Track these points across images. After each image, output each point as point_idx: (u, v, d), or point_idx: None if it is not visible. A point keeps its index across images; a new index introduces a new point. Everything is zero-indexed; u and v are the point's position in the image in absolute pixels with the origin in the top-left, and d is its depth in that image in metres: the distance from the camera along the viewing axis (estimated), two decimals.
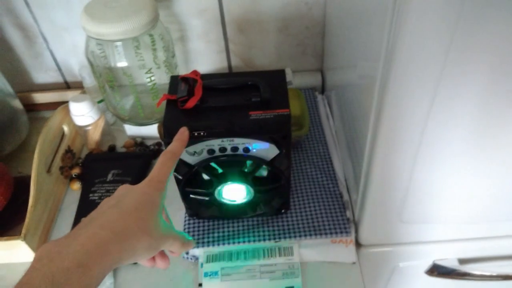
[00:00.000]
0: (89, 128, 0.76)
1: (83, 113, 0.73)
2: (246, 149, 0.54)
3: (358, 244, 0.64)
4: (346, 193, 0.67)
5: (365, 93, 0.54)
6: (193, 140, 0.52)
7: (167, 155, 0.47)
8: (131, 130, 0.81)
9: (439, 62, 0.39)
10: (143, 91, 0.76)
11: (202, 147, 0.53)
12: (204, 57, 0.84)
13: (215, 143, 0.53)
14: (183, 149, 0.50)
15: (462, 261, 0.68)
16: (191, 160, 0.55)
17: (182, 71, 0.79)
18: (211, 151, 0.54)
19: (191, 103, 0.54)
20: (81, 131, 0.77)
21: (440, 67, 0.40)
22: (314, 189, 0.68)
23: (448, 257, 0.68)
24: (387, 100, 0.44)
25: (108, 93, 0.77)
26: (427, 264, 0.69)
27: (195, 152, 0.54)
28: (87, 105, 0.73)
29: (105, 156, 0.77)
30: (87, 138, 0.78)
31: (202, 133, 0.52)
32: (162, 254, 0.47)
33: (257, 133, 0.52)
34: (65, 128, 0.76)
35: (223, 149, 0.54)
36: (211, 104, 0.55)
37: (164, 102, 0.57)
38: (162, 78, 0.75)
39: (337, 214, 0.65)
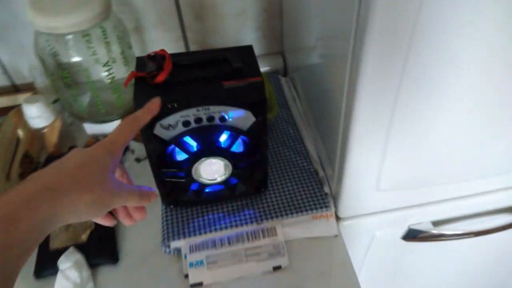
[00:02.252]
0: (46, 130, 0.71)
1: (38, 115, 0.69)
2: (222, 118, 0.53)
3: (337, 218, 0.65)
4: (321, 170, 0.68)
5: (335, 70, 0.54)
6: (166, 112, 0.50)
7: (128, 120, 0.45)
8: (92, 128, 0.77)
9: (408, 30, 0.40)
10: (101, 87, 0.73)
11: (176, 119, 0.52)
12: (161, 47, 0.80)
13: (190, 113, 0.52)
14: (149, 118, 0.47)
15: (436, 223, 0.71)
16: (166, 135, 0.53)
17: None
18: (186, 123, 0.52)
19: (161, 77, 0.52)
20: (37, 134, 0.72)
21: (409, 36, 0.41)
22: (289, 169, 0.68)
23: (422, 221, 0.70)
24: (360, 74, 0.45)
25: (63, 92, 0.72)
26: (403, 230, 0.71)
27: (169, 125, 0.52)
28: (42, 106, 0.69)
29: None
30: (44, 141, 0.73)
31: (175, 104, 0.51)
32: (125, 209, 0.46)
33: (233, 99, 0.51)
34: (20, 133, 0.71)
35: (198, 120, 0.52)
36: (182, 78, 0.53)
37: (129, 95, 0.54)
38: (120, 72, 0.71)
39: (315, 191, 0.65)
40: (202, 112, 0.52)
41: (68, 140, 0.76)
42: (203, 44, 0.83)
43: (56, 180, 0.37)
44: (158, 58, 0.54)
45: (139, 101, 0.51)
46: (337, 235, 0.62)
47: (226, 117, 0.53)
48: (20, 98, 0.79)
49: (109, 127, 0.76)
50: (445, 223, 0.72)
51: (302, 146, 0.72)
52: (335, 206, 0.64)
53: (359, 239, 0.71)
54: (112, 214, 0.45)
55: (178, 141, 0.54)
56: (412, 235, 0.71)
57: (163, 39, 0.80)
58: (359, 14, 0.42)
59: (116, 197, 0.41)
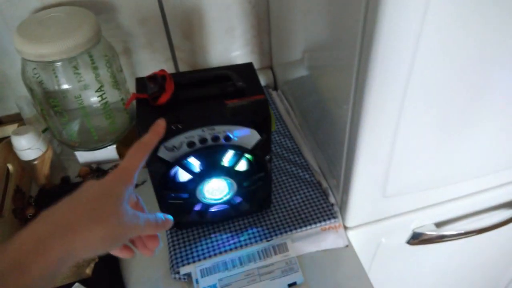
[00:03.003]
0: (37, 162, 0.68)
1: (28, 147, 0.66)
2: (227, 138, 0.52)
3: (344, 228, 0.65)
4: (324, 181, 0.68)
5: (338, 80, 0.55)
6: (171, 133, 0.49)
7: (137, 147, 0.44)
8: (84, 156, 0.74)
9: (415, 33, 0.41)
10: (91, 112, 0.71)
11: (181, 140, 0.51)
12: (151, 68, 0.80)
13: (195, 134, 0.51)
14: (156, 141, 0.46)
15: (438, 225, 0.72)
16: (169, 157, 0.52)
17: (130, 85, 0.75)
18: (191, 144, 0.51)
19: (164, 98, 0.51)
20: (28, 167, 0.69)
21: (415, 41, 0.41)
22: (292, 182, 0.68)
23: (425, 224, 0.71)
24: (368, 83, 0.45)
25: (53, 120, 0.70)
26: (407, 234, 0.72)
27: (174, 146, 0.51)
28: (32, 137, 0.66)
29: (61, 190, 0.70)
30: (35, 173, 0.70)
31: (180, 125, 0.50)
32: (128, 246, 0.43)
33: (238, 118, 0.51)
34: (10, 167, 0.68)
35: (203, 140, 0.51)
36: (184, 98, 0.52)
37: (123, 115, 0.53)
38: (112, 97, 0.70)
39: (320, 202, 0.65)
40: (207, 132, 0.51)
41: (59, 171, 0.74)
42: (192, 63, 0.82)
43: (67, 217, 0.35)
44: (159, 78, 0.53)
45: (143, 123, 0.50)
46: (347, 245, 0.62)
47: (231, 136, 0.52)
48: (5, 130, 0.76)
49: (102, 154, 0.74)
50: (447, 224, 0.73)
51: (301, 158, 0.72)
52: (342, 216, 0.64)
53: (366, 247, 0.71)
54: (128, 245, 0.44)
55: (182, 162, 0.53)
56: (417, 239, 0.72)
57: (152, 60, 0.79)
58: (365, 24, 0.42)
59: (132, 228, 0.39)
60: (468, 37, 0.43)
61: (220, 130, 0.51)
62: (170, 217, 0.45)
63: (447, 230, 0.72)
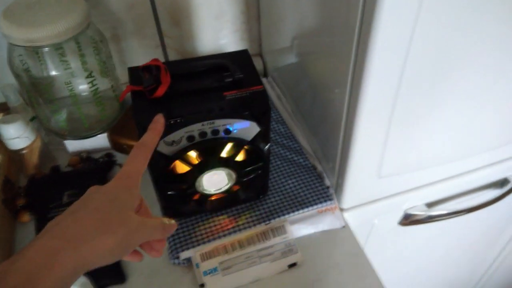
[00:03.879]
0: (26, 151, 0.67)
1: (17, 135, 0.64)
2: (227, 131, 0.52)
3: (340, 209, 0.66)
4: (318, 164, 0.68)
5: (333, 65, 0.55)
6: (171, 128, 0.48)
7: (139, 148, 0.43)
8: (73, 145, 0.73)
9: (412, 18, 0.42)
10: (80, 100, 0.69)
11: (181, 135, 0.50)
12: (140, 55, 0.79)
13: (195, 128, 0.50)
14: (157, 140, 0.45)
15: (429, 205, 0.74)
16: (168, 151, 0.51)
17: (119, 72, 0.73)
18: (190, 138, 0.51)
19: (160, 91, 0.50)
20: (16, 156, 0.67)
21: (412, 24, 0.42)
22: (287, 167, 0.68)
23: (417, 204, 0.73)
24: (366, 67, 0.46)
25: (42, 109, 0.68)
26: (399, 215, 0.73)
27: (173, 141, 0.50)
28: (21, 125, 0.64)
29: (51, 179, 0.69)
30: (24, 163, 0.68)
31: (179, 120, 0.49)
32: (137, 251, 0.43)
33: (238, 111, 0.51)
34: None
35: (203, 134, 0.51)
36: (181, 90, 0.52)
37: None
38: (101, 84, 0.68)
39: (316, 185, 0.66)
40: (207, 126, 0.50)
41: (48, 160, 0.72)
42: (181, 50, 0.81)
43: (77, 230, 0.34)
44: (153, 69, 0.52)
45: (141, 118, 0.49)
46: (344, 226, 0.63)
47: (231, 129, 0.52)
48: None
49: (92, 142, 0.73)
50: (438, 204, 0.75)
51: (295, 143, 0.73)
52: (337, 198, 0.65)
53: (359, 229, 0.72)
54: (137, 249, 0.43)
55: (181, 156, 0.52)
56: (408, 219, 0.73)
57: (141, 47, 0.78)
58: (365, 6, 0.42)
59: (140, 235, 0.39)
60: (461, 20, 0.44)
61: (220, 123, 0.51)
62: (173, 221, 0.45)
63: (437, 210, 0.74)
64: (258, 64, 0.87)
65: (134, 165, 0.41)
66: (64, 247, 0.33)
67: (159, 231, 0.42)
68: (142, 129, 0.48)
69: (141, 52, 0.78)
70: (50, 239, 0.33)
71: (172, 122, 0.49)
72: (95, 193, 0.38)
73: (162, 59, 0.81)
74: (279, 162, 0.69)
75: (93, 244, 0.34)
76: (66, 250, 0.33)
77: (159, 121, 0.46)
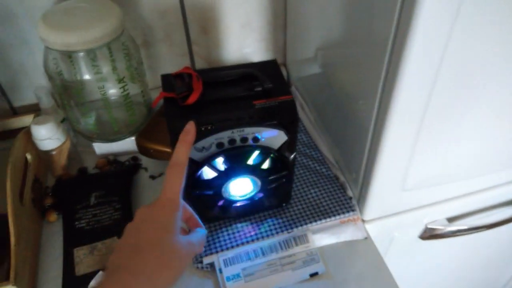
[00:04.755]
0: (55, 152, 0.68)
1: (48, 137, 0.66)
2: (256, 139, 0.53)
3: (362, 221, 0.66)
4: (341, 175, 0.69)
5: (362, 76, 0.56)
6: (201, 135, 0.50)
7: (174, 168, 0.45)
8: (101, 148, 0.74)
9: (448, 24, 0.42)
10: (111, 104, 0.71)
11: (211, 141, 0.51)
12: (167, 62, 0.81)
13: (225, 136, 0.51)
14: (189, 153, 0.47)
15: (450, 220, 0.73)
16: (198, 157, 0.52)
17: (147, 78, 0.75)
18: (220, 145, 0.52)
19: (192, 98, 0.51)
20: (45, 157, 0.69)
21: (447, 34, 0.43)
22: (310, 176, 0.69)
23: (438, 218, 0.73)
24: (399, 79, 0.46)
25: (73, 111, 0.70)
26: (420, 228, 0.73)
27: (203, 147, 0.52)
28: (52, 126, 0.66)
29: (78, 180, 0.70)
30: (52, 164, 0.70)
31: (210, 127, 0.50)
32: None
33: (267, 120, 0.52)
34: (28, 156, 0.68)
35: (232, 141, 0.52)
36: (212, 98, 0.53)
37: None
38: (131, 89, 0.70)
39: (338, 195, 0.66)
40: (236, 133, 0.51)
41: (75, 162, 0.74)
42: (208, 58, 0.83)
43: (146, 268, 0.39)
44: (186, 77, 0.54)
45: (173, 123, 0.50)
46: (366, 238, 0.63)
47: (259, 137, 0.53)
48: (18, 121, 0.75)
49: (119, 146, 0.74)
50: (458, 219, 0.74)
51: (317, 152, 0.73)
52: (359, 209, 0.65)
53: (380, 241, 0.72)
54: None
55: (210, 162, 0.53)
56: (429, 233, 0.73)
57: (169, 54, 0.79)
58: (400, 18, 0.43)
59: (191, 256, 0.46)
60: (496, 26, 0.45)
61: (249, 131, 0.52)
62: (203, 232, 0.50)
63: (458, 225, 0.73)
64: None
65: (173, 187, 0.45)
66: (139, 283, 0.39)
67: (202, 243, 0.48)
68: (174, 135, 0.49)
69: (169, 59, 0.80)
70: (128, 275, 0.39)
71: (203, 129, 0.50)
72: (146, 222, 0.43)
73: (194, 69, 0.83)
74: (301, 171, 0.70)
75: (161, 279, 0.40)
76: (141, 285, 0.39)
77: (190, 132, 0.47)
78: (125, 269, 0.39)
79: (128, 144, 0.74)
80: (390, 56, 0.46)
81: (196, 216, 0.51)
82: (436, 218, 0.72)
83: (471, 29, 0.43)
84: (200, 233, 0.48)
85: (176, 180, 0.45)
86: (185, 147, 0.46)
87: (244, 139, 0.52)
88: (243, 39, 0.82)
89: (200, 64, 0.83)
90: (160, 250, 0.41)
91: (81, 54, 0.63)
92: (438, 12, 0.41)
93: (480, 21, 0.43)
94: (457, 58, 0.45)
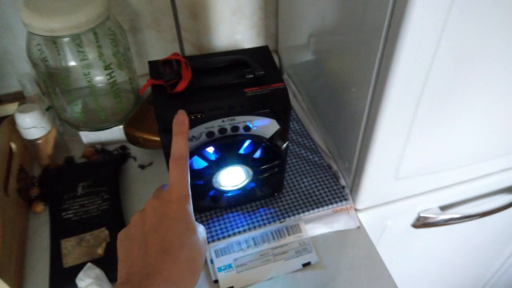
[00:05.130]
0: (41, 141, 0.66)
1: (33, 125, 0.64)
2: (247, 128, 0.51)
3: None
4: (334, 163, 0.68)
5: (356, 64, 0.55)
6: (191, 124, 0.48)
7: (178, 163, 0.43)
8: (88, 136, 0.73)
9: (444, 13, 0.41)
10: (97, 92, 0.69)
11: (200, 131, 0.50)
12: (156, 48, 0.78)
13: (215, 124, 0.50)
14: (188, 145, 0.45)
15: (443, 208, 0.73)
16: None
17: (135, 64, 0.73)
18: (210, 134, 0.50)
19: (181, 86, 0.50)
20: (31, 146, 0.67)
21: (443, 20, 0.42)
22: (302, 165, 0.68)
23: (431, 207, 0.72)
24: (392, 68, 0.45)
25: (58, 99, 0.68)
26: (413, 217, 0.73)
27: (193, 137, 0.50)
28: (37, 115, 0.64)
29: (65, 170, 0.68)
30: (38, 153, 0.68)
31: (200, 116, 0.49)
32: None
33: (259, 108, 0.50)
34: (13, 145, 0.66)
35: (223, 130, 0.51)
36: (201, 86, 0.51)
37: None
38: (119, 76, 0.68)
39: (331, 185, 0.65)
40: (227, 122, 0.50)
41: (62, 151, 0.72)
42: (198, 45, 0.81)
43: (176, 273, 0.38)
44: (174, 63, 0.52)
45: (161, 112, 0.48)
46: (359, 227, 0.62)
47: (251, 126, 0.51)
48: (4, 109, 0.73)
49: (107, 134, 0.72)
50: (451, 208, 0.74)
51: (310, 141, 0.72)
52: (352, 198, 0.65)
53: (372, 229, 0.72)
54: None
55: (200, 151, 0.52)
56: (422, 222, 0.73)
57: (158, 40, 0.77)
58: (395, 3, 0.42)
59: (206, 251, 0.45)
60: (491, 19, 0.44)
61: (240, 120, 0.50)
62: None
63: (450, 214, 0.73)
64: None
65: (182, 182, 0.42)
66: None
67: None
68: (162, 124, 0.48)
69: (157, 45, 0.78)
70: (164, 282, 0.36)
71: (192, 117, 0.48)
72: (166, 220, 0.40)
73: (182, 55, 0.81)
74: (294, 160, 0.69)
75: (189, 284, 0.38)
76: None
77: (183, 122, 0.45)
78: (161, 275, 0.37)
79: (116, 132, 0.72)
80: (384, 43, 0.45)
81: None
82: (428, 206, 0.72)
83: (467, 14, 0.42)
84: (201, 226, 0.46)
85: (183, 173, 0.42)
86: (182, 139, 0.44)
87: (235, 128, 0.51)
88: (234, 25, 0.80)
89: (189, 50, 0.81)
90: (188, 253, 0.39)
91: (66, 39, 0.61)
92: None
93: (476, 6, 0.42)
94: (453, 45, 0.44)
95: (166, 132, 0.48)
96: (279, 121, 0.52)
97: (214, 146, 0.52)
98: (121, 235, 0.42)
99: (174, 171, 0.42)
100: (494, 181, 0.73)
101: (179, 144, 0.44)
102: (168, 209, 0.41)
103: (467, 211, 0.74)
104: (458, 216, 0.73)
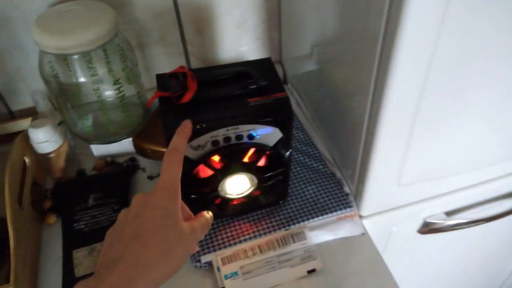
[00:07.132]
0: (53, 155, 0.69)
1: (46, 139, 0.66)
2: (251, 136, 0.53)
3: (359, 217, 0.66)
4: (338, 171, 0.69)
5: (355, 73, 0.56)
6: (196, 133, 0.50)
7: (172, 154, 0.44)
8: (99, 149, 0.75)
9: (437, 23, 0.42)
10: (107, 105, 0.72)
11: (206, 140, 0.52)
12: (163, 63, 0.81)
13: (220, 133, 0.52)
14: (186, 144, 0.47)
15: (448, 214, 0.73)
16: (193, 155, 0.53)
17: (143, 79, 0.75)
18: (215, 143, 0.52)
19: (187, 97, 0.52)
20: (43, 160, 0.70)
21: (437, 30, 0.43)
22: (306, 173, 0.69)
23: (436, 213, 0.73)
24: (390, 76, 0.46)
25: (69, 113, 0.71)
26: (419, 223, 0.73)
27: (198, 145, 0.52)
28: (49, 130, 0.66)
29: (77, 183, 0.71)
30: (50, 167, 0.71)
31: (205, 125, 0.51)
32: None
33: (262, 117, 0.52)
34: (27, 160, 0.68)
35: (227, 139, 0.52)
36: (206, 97, 0.53)
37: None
38: (127, 90, 0.70)
39: (335, 192, 0.66)
40: (231, 131, 0.52)
41: (74, 164, 0.74)
42: (203, 58, 0.83)
43: (146, 257, 0.37)
44: (180, 76, 0.54)
45: (168, 122, 0.50)
46: (364, 234, 0.63)
47: (254, 134, 0.53)
48: (16, 125, 0.76)
49: (117, 147, 0.75)
50: (457, 213, 0.74)
51: (314, 149, 0.73)
52: (356, 205, 0.65)
53: (378, 236, 0.72)
54: None
55: (206, 160, 0.54)
56: (427, 228, 0.73)
57: (165, 54, 0.80)
58: (389, 15, 0.43)
59: (194, 242, 0.42)
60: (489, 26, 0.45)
61: (244, 129, 0.52)
62: (210, 212, 0.47)
63: (456, 219, 0.73)
64: (278, 71, 0.88)
65: (172, 173, 0.42)
66: (140, 275, 0.36)
67: (206, 228, 0.44)
68: (169, 134, 0.50)
69: (165, 60, 0.80)
70: (128, 268, 0.36)
71: (198, 127, 0.50)
72: (146, 209, 0.40)
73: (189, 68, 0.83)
74: (298, 169, 0.70)
75: (161, 269, 0.38)
76: (142, 277, 0.36)
77: (187, 126, 0.48)
78: (125, 261, 0.36)
79: (126, 145, 0.74)
80: (381, 52, 0.47)
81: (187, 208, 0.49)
82: (434, 212, 0.73)
83: (462, 21, 0.43)
84: (204, 218, 0.45)
85: (175, 165, 0.43)
86: (182, 137, 0.46)
87: (239, 137, 0.53)
88: (238, 38, 0.83)
89: (195, 64, 0.83)
90: (162, 237, 0.38)
91: (76, 57, 0.63)
92: (428, 5, 0.41)
93: (471, 12, 0.43)
94: (449, 52, 0.45)
95: None
96: (282, 129, 0.54)
97: (219, 155, 0.54)
98: (107, 231, 0.42)
99: (165, 162, 0.43)
100: (500, 186, 0.73)
101: (176, 140, 0.45)
102: (150, 198, 0.40)
103: (474, 216, 0.74)
104: (465, 221, 0.73)
